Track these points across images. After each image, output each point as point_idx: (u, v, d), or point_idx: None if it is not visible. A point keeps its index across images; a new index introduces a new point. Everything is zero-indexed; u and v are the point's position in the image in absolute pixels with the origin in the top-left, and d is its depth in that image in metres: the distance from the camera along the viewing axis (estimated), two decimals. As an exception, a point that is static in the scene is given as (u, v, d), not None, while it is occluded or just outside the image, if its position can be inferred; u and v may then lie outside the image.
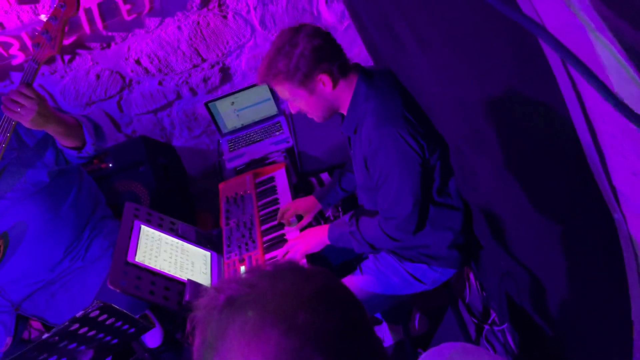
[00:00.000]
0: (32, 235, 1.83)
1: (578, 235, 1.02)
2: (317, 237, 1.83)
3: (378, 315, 2.32)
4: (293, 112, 1.65)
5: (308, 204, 2.04)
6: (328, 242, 1.83)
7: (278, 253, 1.87)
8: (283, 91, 1.57)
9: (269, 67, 1.53)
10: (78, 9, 1.72)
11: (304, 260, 1.83)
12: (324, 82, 1.54)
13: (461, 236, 1.73)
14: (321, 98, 1.58)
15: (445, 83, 1.28)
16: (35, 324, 2.09)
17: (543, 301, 1.39)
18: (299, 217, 2.05)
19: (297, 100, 1.58)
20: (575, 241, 1.05)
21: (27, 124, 1.61)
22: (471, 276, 2.26)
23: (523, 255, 1.43)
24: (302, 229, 1.99)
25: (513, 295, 1.69)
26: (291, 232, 1.98)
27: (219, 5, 2.60)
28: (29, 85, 1.62)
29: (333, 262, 2.03)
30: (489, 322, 2.09)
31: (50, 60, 2.60)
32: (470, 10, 0.94)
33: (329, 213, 2.89)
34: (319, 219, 2.64)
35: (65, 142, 1.77)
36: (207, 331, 0.66)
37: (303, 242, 1.83)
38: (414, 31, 1.30)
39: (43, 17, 1.67)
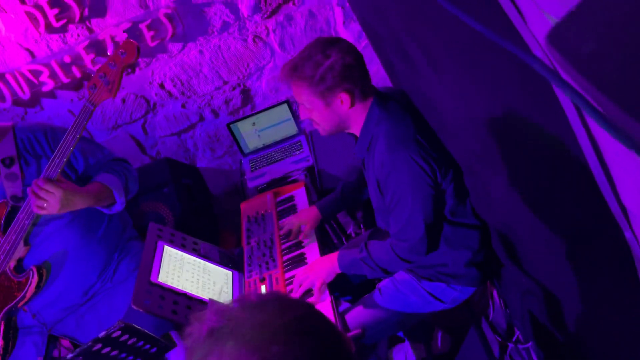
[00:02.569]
0: (70, 261, 1.88)
1: (592, 253, 1.01)
2: (327, 268, 1.78)
3: (400, 334, 2.30)
4: (302, 118, 1.66)
5: (310, 214, 2.06)
6: (339, 271, 1.78)
7: (294, 285, 1.82)
8: (300, 95, 1.57)
9: (296, 68, 1.53)
10: (138, 57, 1.76)
11: (327, 292, 1.79)
12: (342, 100, 1.55)
13: (479, 254, 1.71)
14: (334, 114, 1.59)
15: (456, 102, 1.29)
16: (65, 342, 2.13)
17: (562, 319, 1.37)
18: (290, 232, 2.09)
19: (310, 109, 1.60)
20: (588, 259, 1.04)
21: (55, 212, 1.66)
22: (495, 293, 2.23)
23: (539, 273, 1.42)
24: (302, 239, 2.04)
25: (536, 313, 1.67)
26: (311, 252, 1.99)
27: (239, 29, 2.67)
28: (50, 180, 1.63)
29: (353, 280, 2.03)
30: (513, 340, 2.05)
31: (79, 87, 2.70)
32: (475, 31, 0.95)
33: (350, 230, 2.89)
34: (341, 235, 2.64)
35: (96, 206, 1.84)
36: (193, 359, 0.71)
37: (315, 275, 1.77)
38: (424, 52, 1.32)
39: (87, 58, 1.68)
